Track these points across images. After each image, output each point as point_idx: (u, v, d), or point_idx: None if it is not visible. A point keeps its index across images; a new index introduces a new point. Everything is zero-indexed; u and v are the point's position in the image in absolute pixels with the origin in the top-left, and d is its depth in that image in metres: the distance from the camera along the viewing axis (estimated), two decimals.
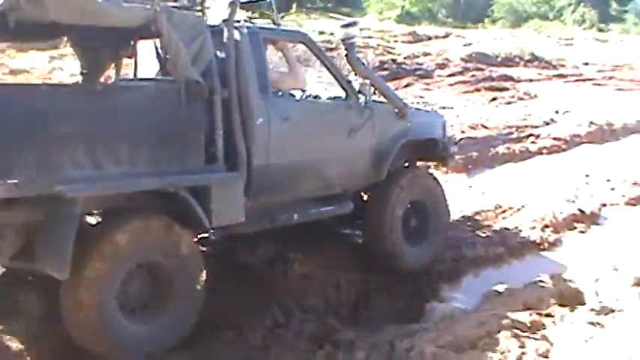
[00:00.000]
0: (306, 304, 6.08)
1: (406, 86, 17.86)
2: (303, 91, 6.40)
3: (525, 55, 24.39)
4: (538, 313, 5.65)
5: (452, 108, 15.52)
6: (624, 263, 7.09)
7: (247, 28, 5.71)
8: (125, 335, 4.74)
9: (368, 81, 6.50)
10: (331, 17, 30.73)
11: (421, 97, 16.37)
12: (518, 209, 9.32)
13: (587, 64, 26.15)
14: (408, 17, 43.75)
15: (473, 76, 19.99)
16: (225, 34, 5.39)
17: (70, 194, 4.32)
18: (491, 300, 6.00)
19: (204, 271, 5.16)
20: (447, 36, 29.81)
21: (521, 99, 17.54)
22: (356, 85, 6.45)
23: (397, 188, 6.80)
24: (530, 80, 20.92)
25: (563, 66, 24.61)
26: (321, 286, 6.39)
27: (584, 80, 22.22)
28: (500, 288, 6.17)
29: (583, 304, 5.93)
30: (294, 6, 30.83)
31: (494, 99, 17.44)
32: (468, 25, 40.15)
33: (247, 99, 5.47)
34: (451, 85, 18.68)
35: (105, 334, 4.62)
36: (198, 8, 5.37)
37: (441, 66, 20.80)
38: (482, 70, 20.85)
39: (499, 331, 5.18)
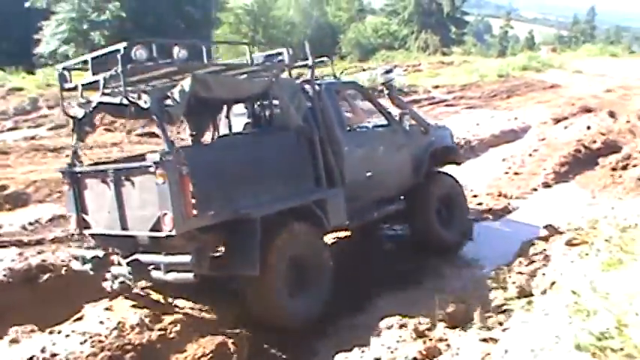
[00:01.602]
0: None
1: None
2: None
3: (377, 87, 25.02)
4: (430, 339, 5.65)
5: None
6: (502, 275, 7.25)
7: (324, 84, 8.12)
8: (290, 308, 6.71)
9: (407, 110, 9.00)
10: None
11: None
12: None
13: (437, 87, 27.29)
14: None
15: None
16: (310, 90, 7.67)
17: (254, 215, 6.39)
18: (384, 333, 5.92)
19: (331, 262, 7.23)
20: (298, 77, 30.22)
21: None
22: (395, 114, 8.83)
23: (431, 187, 9.12)
24: None
25: (415, 92, 25.49)
26: (209, 346, 6.15)
27: (436, 103, 23.14)
28: (391, 320, 6.10)
29: (472, 321, 6.01)
30: None
31: None
32: (317, 65, 40.90)
33: (334, 135, 7.75)
34: None
35: (279, 309, 6.61)
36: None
37: None
38: None
39: None
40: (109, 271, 6.94)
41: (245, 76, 7.57)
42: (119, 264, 6.80)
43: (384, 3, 75.76)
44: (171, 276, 6.24)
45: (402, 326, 5.98)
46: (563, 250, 7.98)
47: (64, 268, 7.74)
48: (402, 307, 6.49)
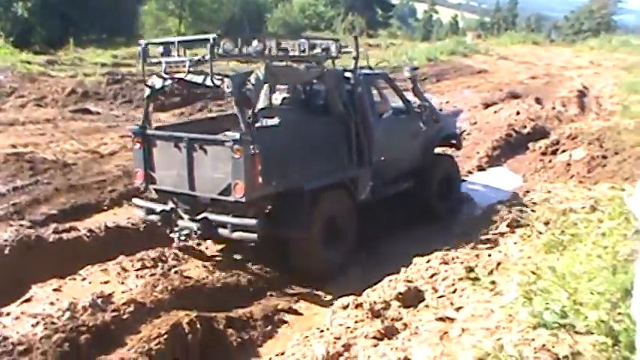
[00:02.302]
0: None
1: None
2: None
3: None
4: (387, 318, 5.80)
5: None
6: (449, 254, 7.46)
7: (362, 74, 9.13)
8: (325, 258, 8.02)
9: (427, 103, 10.29)
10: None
11: None
12: None
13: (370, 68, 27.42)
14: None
15: None
16: (352, 78, 8.78)
17: (307, 187, 7.68)
18: (341, 313, 6.03)
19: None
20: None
21: None
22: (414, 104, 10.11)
23: (436, 168, 10.47)
24: None
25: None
26: (163, 327, 6.09)
27: None
28: (347, 299, 6.21)
29: (424, 300, 6.19)
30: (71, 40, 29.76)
31: None
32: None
33: (367, 121, 8.86)
34: None
35: (317, 259, 7.91)
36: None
37: None
38: None
39: (357, 343, 5.25)
40: (177, 225, 7.91)
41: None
42: (181, 218, 7.93)
43: None
44: (237, 235, 7.40)
45: (357, 306, 6.09)
46: (505, 231, 8.28)
47: (8, 249, 7.52)
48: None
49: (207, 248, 8.70)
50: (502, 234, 8.21)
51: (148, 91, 8.24)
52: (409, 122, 9.88)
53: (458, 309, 5.71)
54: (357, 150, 8.63)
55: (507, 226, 8.38)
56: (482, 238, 8.15)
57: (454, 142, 11.31)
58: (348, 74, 8.80)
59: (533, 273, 5.42)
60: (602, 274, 5.23)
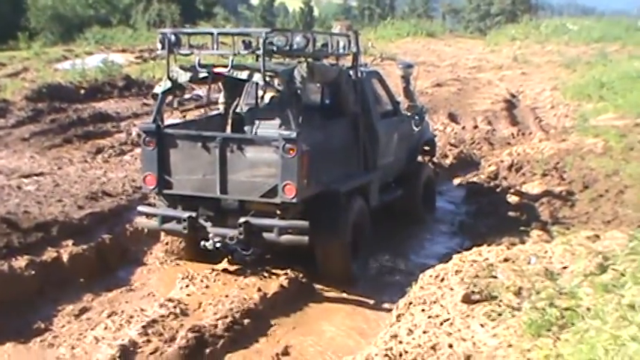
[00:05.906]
0: None
1: None
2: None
3: (118, 81, 24.73)
4: None
5: (40, 175, 14.90)
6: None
7: (365, 71, 12.32)
8: (351, 265, 10.81)
9: (418, 104, 13.81)
10: None
11: None
12: None
13: None
14: None
15: (53, 121, 19.87)
16: (354, 77, 11.54)
17: (343, 190, 10.60)
18: None
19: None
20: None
21: (136, 144, 17.57)
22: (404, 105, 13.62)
23: (420, 174, 13.90)
24: (136, 115, 21.31)
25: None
26: None
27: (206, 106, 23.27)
28: None
29: None
30: None
31: (99, 151, 17.60)
32: None
33: (372, 122, 11.87)
34: (26, 139, 18.07)
35: (347, 267, 10.72)
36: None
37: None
38: (64, 110, 20.91)
39: None
40: (208, 232, 10.16)
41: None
42: (204, 223, 10.25)
43: None
44: (286, 238, 9.85)
45: None
46: (461, 308, 8.10)
47: None
48: None
49: None
50: (457, 312, 8.08)
51: (166, 84, 10.30)
52: (401, 125, 13.07)
53: None
54: (364, 153, 11.45)
55: (463, 301, 8.21)
56: (431, 319, 8.02)
57: (428, 148, 14.60)
58: (350, 72, 11.44)
59: None
60: None
